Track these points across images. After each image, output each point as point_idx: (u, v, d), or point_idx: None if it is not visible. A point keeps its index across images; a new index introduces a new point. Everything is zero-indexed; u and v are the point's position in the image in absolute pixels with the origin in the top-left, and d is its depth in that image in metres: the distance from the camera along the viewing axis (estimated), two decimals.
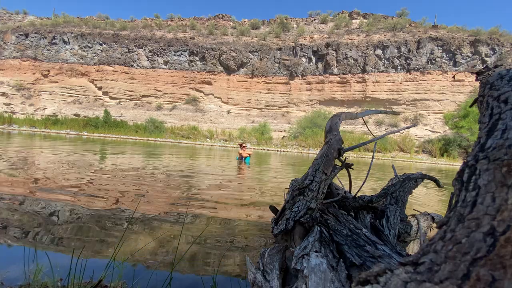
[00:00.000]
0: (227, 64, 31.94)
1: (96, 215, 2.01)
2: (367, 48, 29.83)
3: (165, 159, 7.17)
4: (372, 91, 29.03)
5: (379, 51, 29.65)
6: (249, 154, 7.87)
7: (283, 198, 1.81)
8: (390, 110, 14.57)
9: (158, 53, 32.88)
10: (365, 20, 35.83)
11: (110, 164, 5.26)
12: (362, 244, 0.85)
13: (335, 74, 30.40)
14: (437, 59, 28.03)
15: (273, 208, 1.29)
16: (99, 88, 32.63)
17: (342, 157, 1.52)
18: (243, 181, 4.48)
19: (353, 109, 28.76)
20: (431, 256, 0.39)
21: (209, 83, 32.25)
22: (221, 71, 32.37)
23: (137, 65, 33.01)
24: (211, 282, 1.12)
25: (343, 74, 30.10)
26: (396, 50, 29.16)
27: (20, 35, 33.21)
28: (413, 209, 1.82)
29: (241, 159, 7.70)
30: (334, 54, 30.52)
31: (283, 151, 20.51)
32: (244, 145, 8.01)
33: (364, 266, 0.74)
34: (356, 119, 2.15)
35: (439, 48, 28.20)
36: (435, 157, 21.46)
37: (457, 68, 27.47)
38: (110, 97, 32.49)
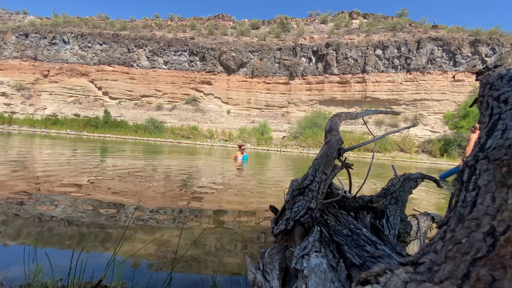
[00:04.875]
0: (227, 64, 31.93)
1: (96, 215, 2.01)
2: (367, 48, 29.83)
3: (165, 159, 7.17)
4: (372, 91, 29.02)
5: (379, 51, 29.65)
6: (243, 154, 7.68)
7: (283, 198, 1.81)
8: (390, 110, 14.55)
9: (158, 53, 32.88)
10: (365, 20, 35.83)
11: (110, 164, 5.26)
12: (362, 244, 0.85)
13: (335, 74, 30.40)
14: (437, 59, 28.03)
15: (273, 208, 1.28)
16: (99, 88, 32.63)
17: (342, 157, 1.52)
18: (242, 181, 4.48)
19: (353, 109, 28.74)
20: (431, 256, 0.39)
21: (209, 83, 32.25)
22: (221, 71, 32.37)
23: (137, 65, 33.01)
24: (211, 282, 1.12)
25: (343, 74, 30.09)
26: (396, 50, 29.16)
27: (20, 35, 33.21)
28: (413, 209, 1.82)
29: (237, 159, 7.52)
30: (334, 54, 30.52)
31: (283, 151, 20.51)
32: (243, 147, 7.78)
33: (364, 266, 0.74)
34: (356, 119, 2.15)
35: (439, 48, 28.20)
36: (435, 157, 21.45)
37: (457, 68, 27.46)
38: (110, 97, 32.49)
